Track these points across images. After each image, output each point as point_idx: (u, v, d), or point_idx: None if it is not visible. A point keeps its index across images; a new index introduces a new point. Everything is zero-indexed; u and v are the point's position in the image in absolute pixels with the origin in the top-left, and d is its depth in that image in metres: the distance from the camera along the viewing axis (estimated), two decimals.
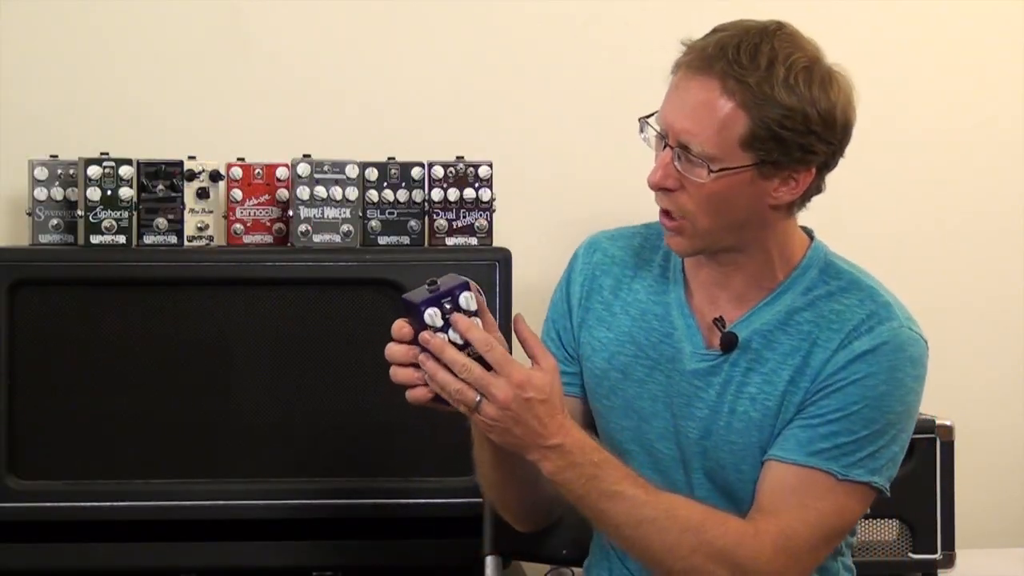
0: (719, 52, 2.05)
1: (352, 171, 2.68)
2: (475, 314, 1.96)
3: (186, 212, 2.68)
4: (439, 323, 1.95)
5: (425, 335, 1.95)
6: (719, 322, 2.17)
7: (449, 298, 1.95)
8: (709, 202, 2.07)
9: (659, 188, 2.09)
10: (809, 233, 2.22)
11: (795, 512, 2.06)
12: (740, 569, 2.03)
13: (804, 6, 3.06)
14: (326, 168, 2.67)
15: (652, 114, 2.11)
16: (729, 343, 2.16)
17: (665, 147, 2.08)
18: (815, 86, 2.04)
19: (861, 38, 3.09)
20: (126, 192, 2.64)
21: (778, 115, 2.03)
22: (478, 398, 1.96)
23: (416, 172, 2.72)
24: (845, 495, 2.08)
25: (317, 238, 2.67)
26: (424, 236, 2.72)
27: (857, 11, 3.09)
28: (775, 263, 2.16)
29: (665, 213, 2.11)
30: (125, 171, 2.64)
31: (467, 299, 1.96)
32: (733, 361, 2.17)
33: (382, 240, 2.71)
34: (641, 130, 2.14)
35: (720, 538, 2.03)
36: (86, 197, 2.63)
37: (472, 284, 1.97)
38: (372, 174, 2.70)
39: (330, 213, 2.67)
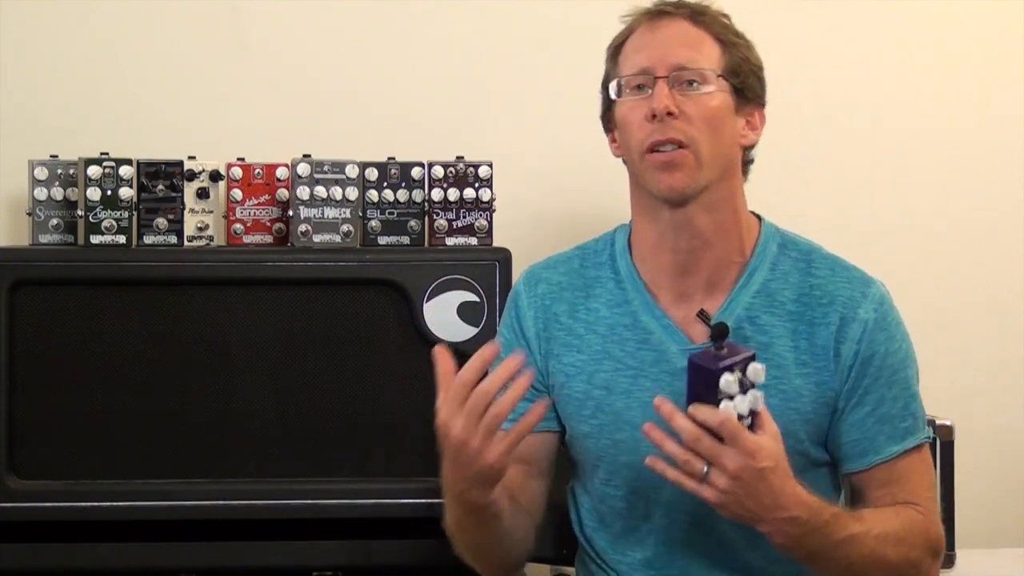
0: (673, 3, 2.25)
1: (352, 171, 2.68)
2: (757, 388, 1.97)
3: (186, 212, 2.68)
4: (735, 391, 1.95)
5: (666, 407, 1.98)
6: (702, 315, 2.20)
7: (741, 365, 1.96)
8: (710, 122, 2.18)
9: (667, 112, 2.16)
10: (756, 216, 2.31)
11: (924, 484, 2.25)
12: (934, 550, 2.22)
13: (805, 5, 3.08)
14: (326, 168, 2.67)
15: (615, 79, 2.24)
16: (720, 333, 2.18)
17: (656, 82, 2.18)
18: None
19: (860, 38, 3.10)
20: (126, 192, 2.64)
21: (740, 45, 2.22)
22: (705, 468, 1.97)
23: (416, 172, 2.72)
24: (928, 448, 2.27)
25: (317, 238, 2.67)
26: (424, 236, 2.72)
27: (857, 10, 3.09)
28: (742, 231, 2.24)
29: (667, 144, 2.17)
30: (125, 171, 2.64)
31: (756, 371, 1.97)
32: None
33: (382, 240, 2.71)
34: (618, 91, 2.23)
35: (918, 539, 2.18)
36: (86, 197, 2.63)
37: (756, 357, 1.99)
38: (372, 174, 2.70)
39: (330, 213, 2.67)
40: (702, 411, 1.96)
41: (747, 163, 2.27)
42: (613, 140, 2.28)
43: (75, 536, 2.60)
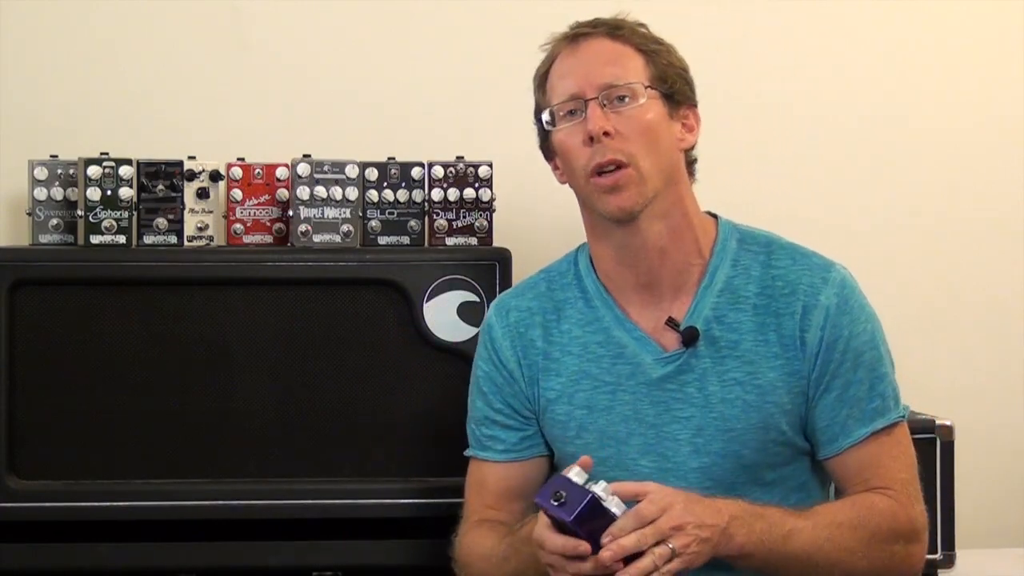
0: (590, 24, 2.26)
1: (352, 171, 2.68)
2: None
3: (186, 212, 2.68)
4: (608, 490, 1.99)
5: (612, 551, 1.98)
6: (671, 322, 2.21)
7: (590, 496, 1.99)
8: (646, 135, 2.19)
9: (603, 133, 2.18)
10: (712, 215, 2.32)
11: (897, 466, 2.22)
12: (906, 535, 2.18)
13: (804, 5, 3.08)
14: (326, 168, 2.67)
15: (546, 109, 2.26)
16: (691, 337, 2.20)
17: (587, 105, 2.19)
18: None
19: (859, 37, 3.10)
20: (126, 192, 2.64)
21: (661, 51, 2.24)
22: (670, 545, 1.98)
23: (416, 172, 2.72)
24: (903, 429, 2.24)
25: (317, 238, 2.67)
26: (424, 236, 2.72)
27: (856, 10, 3.09)
28: (696, 233, 2.25)
29: (608, 166, 2.18)
30: (125, 171, 2.64)
31: (578, 474, 1.99)
32: (698, 354, 2.20)
33: (382, 240, 2.71)
34: (552, 121, 2.25)
35: (881, 522, 2.16)
36: (86, 197, 2.63)
37: (572, 470, 2.01)
38: (372, 174, 2.70)
39: (330, 213, 2.67)
40: (620, 525, 1.98)
41: (691, 164, 2.29)
42: (556, 167, 2.31)
43: (75, 536, 2.60)
